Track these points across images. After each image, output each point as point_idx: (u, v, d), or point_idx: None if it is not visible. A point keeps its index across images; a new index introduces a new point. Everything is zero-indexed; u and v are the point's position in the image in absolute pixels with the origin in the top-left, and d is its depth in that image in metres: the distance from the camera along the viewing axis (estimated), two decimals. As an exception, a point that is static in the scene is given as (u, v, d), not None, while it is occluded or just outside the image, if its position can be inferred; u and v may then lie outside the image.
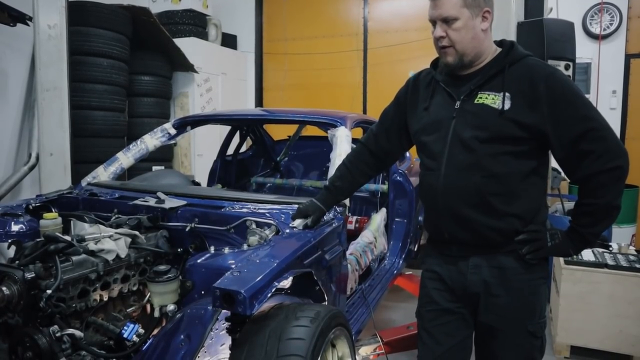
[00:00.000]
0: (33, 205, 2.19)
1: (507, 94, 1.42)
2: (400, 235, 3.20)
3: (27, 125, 3.94)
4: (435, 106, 1.56)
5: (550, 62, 2.82)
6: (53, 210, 2.15)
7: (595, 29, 4.99)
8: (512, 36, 2.99)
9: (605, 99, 5.04)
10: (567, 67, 3.04)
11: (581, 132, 1.37)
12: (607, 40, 4.99)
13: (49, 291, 1.41)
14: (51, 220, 1.85)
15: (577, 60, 3.95)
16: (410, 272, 3.33)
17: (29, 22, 3.60)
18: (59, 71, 3.45)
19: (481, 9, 1.45)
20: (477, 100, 1.47)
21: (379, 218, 3.05)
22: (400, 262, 3.17)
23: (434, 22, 1.48)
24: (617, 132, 4.98)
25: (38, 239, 1.65)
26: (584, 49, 4.90)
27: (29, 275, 1.42)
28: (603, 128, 1.38)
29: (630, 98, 5.03)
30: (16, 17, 3.54)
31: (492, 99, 1.44)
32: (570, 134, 1.38)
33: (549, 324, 3.30)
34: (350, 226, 3.28)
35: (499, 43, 1.55)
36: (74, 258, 1.54)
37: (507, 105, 1.41)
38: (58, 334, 1.40)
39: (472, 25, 1.44)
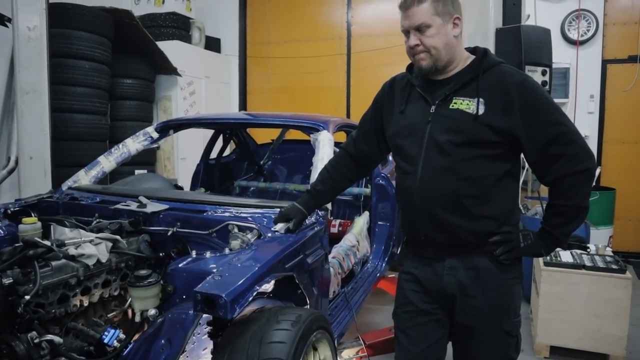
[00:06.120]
0: (12, 209, 2.16)
1: (481, 100, 1.46)
2: (383, 238, 3.22)
3: (6, 128, 3.87)
4: (411, 110, 1.59)
5: (527, 67, 2.88)
6: (32, 214, 2.12)
7: (573, 34, 5.10)
8: (490, 42, 3.05)
9: (584, 103, 5.15)
10: (544, 73, 3.10)
11: (552, 137, 1.42)
12: (585, 45, 5.11)
13: (27, 297, 1.40)
14: (30, 225, 1.82)
15: (556, 65, 4.04)
16: (393, 275, 3.35)
17: (7, 24, 3.55)
18: (39, 74, 3.41)
19: (451, 16, 1.49)
20: (452, 106, 1.51)
21: (361, 221, 3.07)
22: (383, 265, 3.19)
23: (406, 32, 1.52)
24: (595, 135, 5.12)
25: (17, 244, 1.63)
26: (563, 54, 5.01)
27: (7, 281, 1.40)
28: (572, 132, 1.44)
29: (607, 102, 5.15)
30: (-5, 19, 3.49)
31: (467, 104, 1.48)
32: (542, 138, 1.43)
33: (530, 325, 3.36)
34: (334, 229, 3.30)
35: (472, 50, 1.59)
36: (54, 263, 1.53)
37: (481, 110, 1.46)
38: (36, 341, 1.38)
39: (445, 32, 1.49)
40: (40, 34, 3.39)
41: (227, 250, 1.69)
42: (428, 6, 1.46)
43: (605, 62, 5.12)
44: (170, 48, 4.97)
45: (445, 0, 1.48)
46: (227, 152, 4.10)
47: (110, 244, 1.72)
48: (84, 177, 2.55)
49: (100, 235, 1.74)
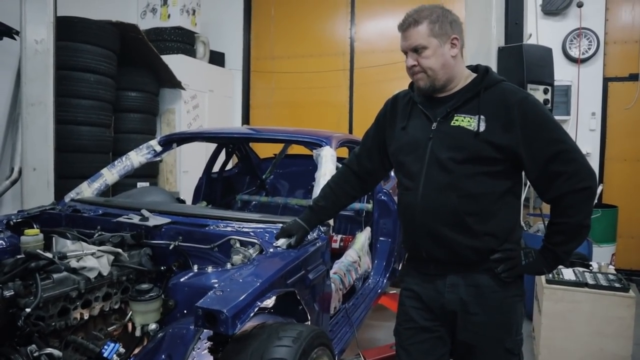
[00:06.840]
0: (14, 221, 2.16)
1: (482, 117, 1.48)
2: (384, 254, 3.21)
3: (11, 139, 3.90)
4: (413, 127, 1.61)
5: (529, 86, 2.90)
6: (35, 226, 2.13)
7: (575, 52, 5.13)
8: (493, 61, 3.07)
9: (585, 120, 5.16)
10: (545, 91, 3.11)
11: (553, 154, 1.43)
12: (586, 63, 5.13)
13: (28, 309, 1.39)
14: (32, 237, 1.83)
15: (558, 83, 4.06)
16: (395, 291, 3.33)
17: (15, 36, 3.59)
18: (45, 86, 3.43)
19: (449, 36, 1.52)
20: (454, 123, 1.52)
21: (363, 237, 3.06)
22: (385, 281, 3.17)
23: (406, 53, 1.56)
24: (597, 153, 5.13)
25: (18, 256, 1.63)
26: (564, 72, 5.04)
27: (8, 293, 1.40)
28: (573, 150, 1.44)
29: (609, 120, 5.16)
30: (2, 31, 3.53)
31: (468, 122, 1.50)
32: (543, 155, 1.44)
33: (532, 343, 3.33)
34: (335, 245, 3.29)
35: (474, 68, 1.61)
36: (55, 276, 1.53)
37: (482, 127, 1.47)
38: (36, 354, 1.38)
39: (441, 53, 1.51)
40: (47, 47, 3.42)
41: (228, 265, 1.69)
42: (424, 28, 1.49)
43: (606, 80, 5.14)
44: (175, 62, 5.02)
45: (442, 22, 1.50)
46: (229, 166, 4.11)
47: (112, 257, 1.72)
48: (87, 189, 2.56)
49: (102, 248, 1.73)
